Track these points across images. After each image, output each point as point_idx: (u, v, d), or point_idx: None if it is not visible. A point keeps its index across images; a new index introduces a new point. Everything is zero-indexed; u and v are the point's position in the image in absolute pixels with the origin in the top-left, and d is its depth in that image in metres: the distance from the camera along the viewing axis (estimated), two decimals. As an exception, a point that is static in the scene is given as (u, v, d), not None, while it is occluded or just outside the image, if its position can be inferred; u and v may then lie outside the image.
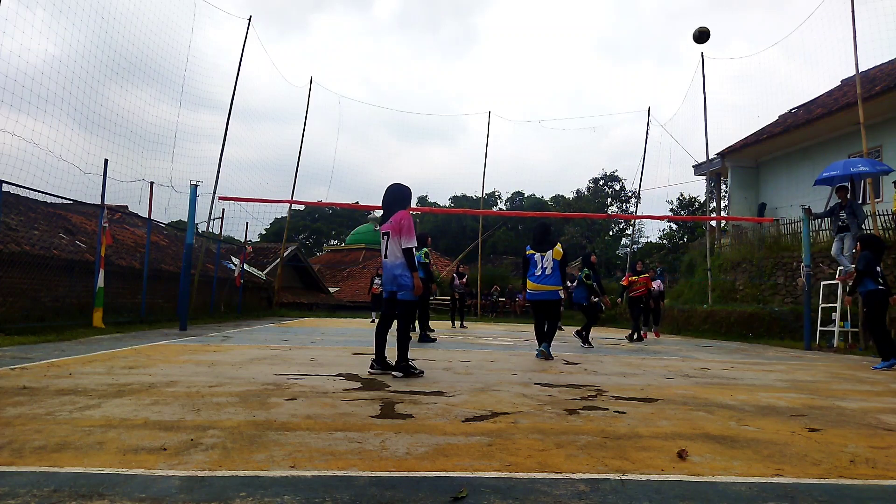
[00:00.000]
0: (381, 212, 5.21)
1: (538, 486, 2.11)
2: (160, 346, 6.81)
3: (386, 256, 5.05)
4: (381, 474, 2.18)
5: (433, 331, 10.44)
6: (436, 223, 44.74)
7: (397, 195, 5.16)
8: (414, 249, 4.93)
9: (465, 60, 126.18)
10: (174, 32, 13.34)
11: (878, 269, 7.36)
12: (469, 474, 2.22)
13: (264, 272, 21.79)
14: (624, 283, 12.16)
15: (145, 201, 11.43)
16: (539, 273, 7.04)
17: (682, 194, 32.89)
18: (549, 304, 7.12)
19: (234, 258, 17.61)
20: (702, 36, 12.24)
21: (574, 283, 10.12)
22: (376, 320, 13.80)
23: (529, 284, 7.12)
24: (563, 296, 7.27)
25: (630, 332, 11.82)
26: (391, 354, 5.05)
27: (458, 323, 15.24)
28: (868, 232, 10.26)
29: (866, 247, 7.49)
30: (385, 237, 5.05)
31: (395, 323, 5.18)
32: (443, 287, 24.47)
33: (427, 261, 9.68)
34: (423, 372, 5.03)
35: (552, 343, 7.21)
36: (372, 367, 5.05)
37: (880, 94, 13.61)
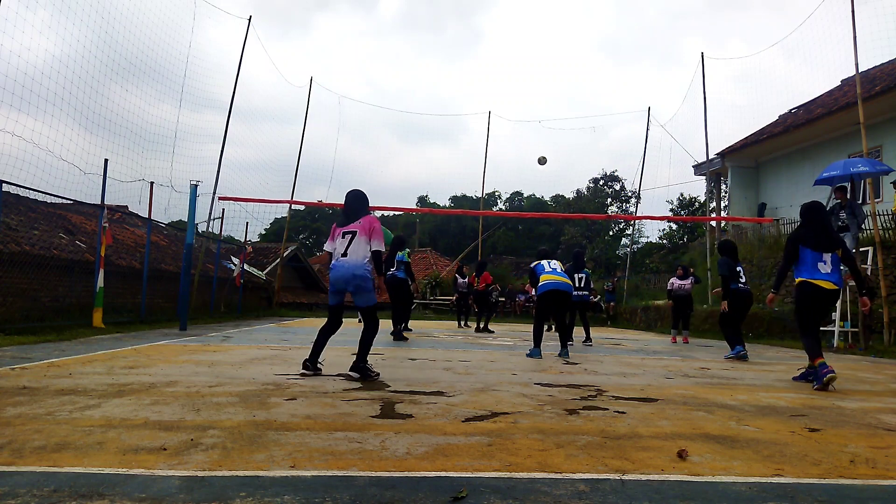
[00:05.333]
0: (344, 215, 5.04)
1: (538, 486, 2.11)
2: (160, 346, 6.80)
3: (345, 255, 4.81)
4: (381, 474, 2.18)
5: (410, 330, 10.96)
6: (436, 223, 44.74)
7: (363, 200, 5.09)
8: (382, 254, 4.93)
9: (466, 60, 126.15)
10: (174, 32, 13.27)
11: (739, 269, 8.12)
12: (469, 474, 2.22)
13: (264, 272, 21.77)
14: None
15: (145, 201, 11.41)
16: (550, 269, 7.37)
17: (682, 194, 32.83)
18: (565, 296, 7.35)
19: (234, 258, 17.59)
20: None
21: (583, 283, 10.17)
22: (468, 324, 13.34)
23: (545, 277, 7.30)
24: (573, 293, 7.72)
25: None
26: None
27: (463, 323, 14.73)
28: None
29: (723, 252, 8.32)
30: (348, 236, 4.88)
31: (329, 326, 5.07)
32: (444, 287, 24.47)
33: (409, 260, 9.83)
34: (378, 374, 4.82)
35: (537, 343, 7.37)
36: (305, 367, 4.85)
37: (880, 94, 13.60)
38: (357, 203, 5.04)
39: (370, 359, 4.94)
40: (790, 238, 5.39)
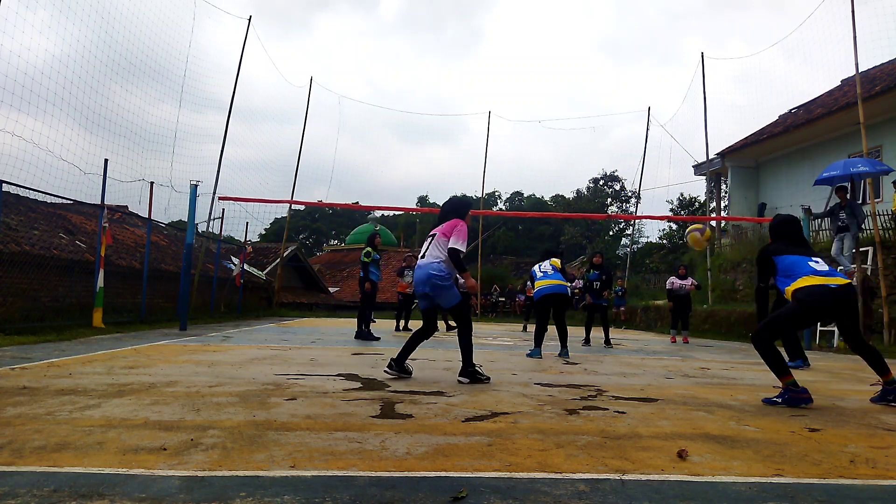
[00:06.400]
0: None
1: (538, 486, 2.10)
2: (160, 346, 6.80)
3: (423, 257, 4.80)
4: (381, 474, 2.18)
5: (410, 330, 10.83)
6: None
7: (457, 205, 5.05)
8: (460, 253, 4.67)
9: (466, 60, 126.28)
10: (174, 32, 13.33)
11: None
12: (469, 474, 2.22)
13: (264, 272, 21.78)
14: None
15: (145, 201, 11.45)
16: (541, 274, 7.59)
17: (682, 194, 32.84)
18: (557, 297, 7.43)
19: (234, 258, 17.60)
20: None
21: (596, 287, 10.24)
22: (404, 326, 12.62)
23: (538, 283, 7.57)
24: (569, 293, 7.80)
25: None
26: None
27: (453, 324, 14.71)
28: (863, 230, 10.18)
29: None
30: (429, 239, 4.86)
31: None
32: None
33: (367, 260, 9.48)
34: (489, 378, 4.72)
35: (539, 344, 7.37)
36: (390, 367, 4.77)
37: (880, 94, 13.61)
38: (448, 208, 5.00)
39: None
40: (760, 255, 4.33)
